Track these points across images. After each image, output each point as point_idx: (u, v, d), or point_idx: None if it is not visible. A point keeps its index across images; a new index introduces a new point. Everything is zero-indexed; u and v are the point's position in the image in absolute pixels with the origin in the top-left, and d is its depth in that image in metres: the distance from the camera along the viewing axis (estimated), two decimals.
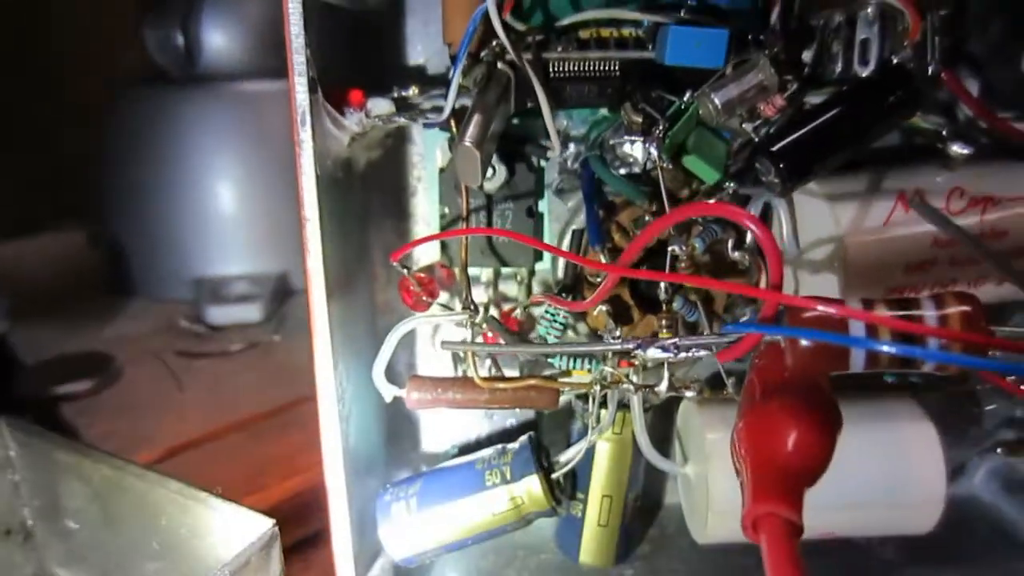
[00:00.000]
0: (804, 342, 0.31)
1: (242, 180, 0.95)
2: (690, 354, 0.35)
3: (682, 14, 0.40)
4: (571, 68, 0.42)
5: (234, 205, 0.95)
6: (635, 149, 0.46)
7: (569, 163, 0.50)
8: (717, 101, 0.40)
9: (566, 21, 0.43)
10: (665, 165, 0.41)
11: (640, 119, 0.42)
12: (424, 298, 0.48)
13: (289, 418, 0.64)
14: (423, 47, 0.49)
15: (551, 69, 0.42)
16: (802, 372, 0.32)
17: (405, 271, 0.46)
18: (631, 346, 0.36)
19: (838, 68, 0.44)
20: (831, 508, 0.45)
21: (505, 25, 0.42)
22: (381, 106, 0.43)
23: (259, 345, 0.80)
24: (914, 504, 0.46)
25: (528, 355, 0.48)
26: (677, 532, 0.55)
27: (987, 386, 0.50)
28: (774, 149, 0.41)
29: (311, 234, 0.41)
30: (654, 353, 0.35)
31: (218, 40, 0.98)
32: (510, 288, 0.53)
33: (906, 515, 0.47)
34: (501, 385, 0.45)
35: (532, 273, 0.53)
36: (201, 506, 0.43)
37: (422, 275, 0.49)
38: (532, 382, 0.45)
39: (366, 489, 0.50)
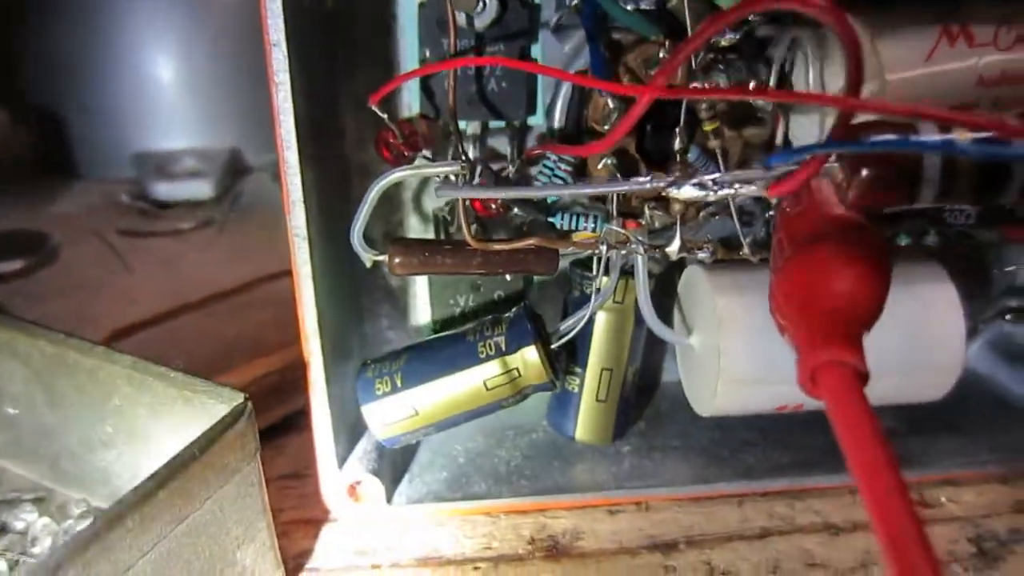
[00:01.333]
0: (864, 172, 0.27)
1: (184, 43, 0.85)
2: (733, 190, 0.31)
3: None
4: None
5: (176, 72, 0.85)
6: None
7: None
8: None
9: None
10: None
11: None
12: (405, 153, 0.43)
13: (250, 298, 0.58)
14: None
15: None
16: (855, 207, 0.28)
17: (385, 116, 0.40)
18: (662, 184, 0.31)
19: None
20: None
21: None
22: None
23: (212, 224, 0.73)
24: (934, 369, 0.44)
25: (528, 213, 0.43)
26: (673, 408, 0.53)
27: (1001, 247, 0.47)
28: None
29: (282, 91, 0.35)
30: (689, 192, 0.31)
31: None
32: (500, 143, 0.47)
33: (924, 382, 0.45)
34: (496, 247, 0.41)
35: (525, 127, 0.47)
36: (159, 383, 0.38)
37: (404, 124, 0.43)
38: (531, 241, 0.40)
39: (343, 367, 0.46)
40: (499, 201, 0.45)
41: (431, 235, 0.50)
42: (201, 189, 0.79)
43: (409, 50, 0.45)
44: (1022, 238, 0.43)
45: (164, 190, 0.78)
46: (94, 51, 0.89)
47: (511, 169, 0.44)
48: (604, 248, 0.39)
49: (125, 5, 0.87)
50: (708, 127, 0.38)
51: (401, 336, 0.52)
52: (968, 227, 0.42)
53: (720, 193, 0.31)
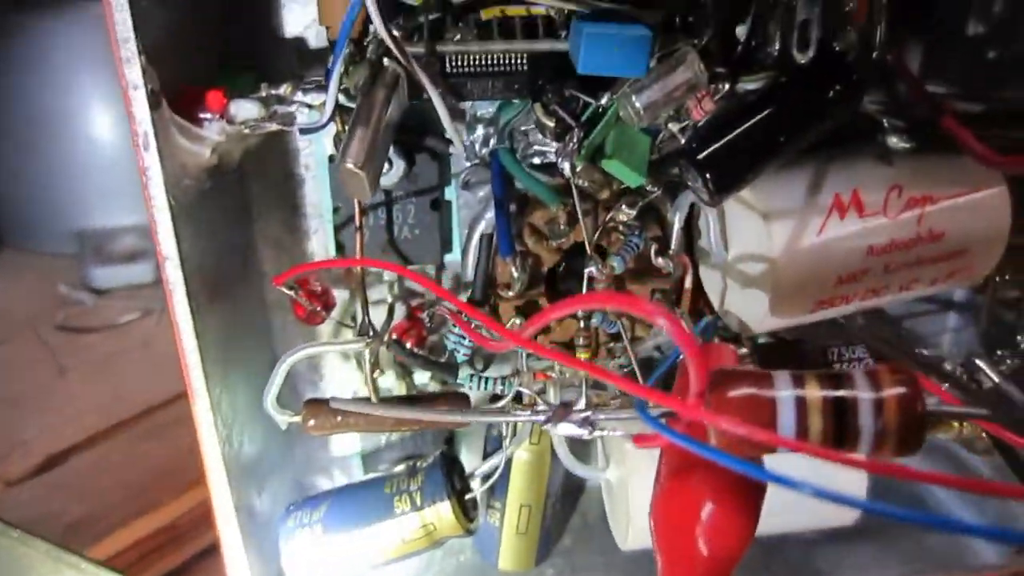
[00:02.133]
0: (732, 426, 0.28)
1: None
2: (605, 433, 0.32)
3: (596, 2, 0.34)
4: (471, 62, 0.36)
5: (118, 144, 0.84)
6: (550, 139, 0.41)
7: (477, 148, 0.44)
8: (639, 104, 0.35)
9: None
10: (579, 181, 0.36)
11: (553, 122, 0.37)
12: (319, 310, 0.43)
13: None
14: (301, 22, 0.41)
15: (448, 64, 0.36)
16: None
17: (291, 293, 0.40)
18: (540, 419, 0.32)
19: (775, 51, 0.39)
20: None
21: (394, 6, 0.35)
22: (246, 110, 0.36)
23: (153, 313, 0.73)
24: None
25: (437, 376, 0.44)
26: (598, 520, 0.54)
27: None
28: (701, 157, 0.36)
29: (171, 274, 0.35)
30: (565, 428, 0.32)
31: None
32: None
33: (832, 513, 0.46)
34: (405, 415, 0.41)
35: (441, 267, 0.48)
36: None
37: (314, 287, 0.43)
38: (438, 409, 0.41)
39: (269, 497, 0.47)
40: (424, 335, 0.46)
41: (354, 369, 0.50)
42: (142, 273, 0.78)
43: (323, 199, 0.45)
44: None
45: (104, 275, 0.77)
46: (29, 116, 0.87)
47: (426, 318, 0.45)
48: (507, 419, 0.40)
49: (61, 68, 0.86)
50: None
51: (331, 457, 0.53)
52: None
53: (593, 435, 0.32)
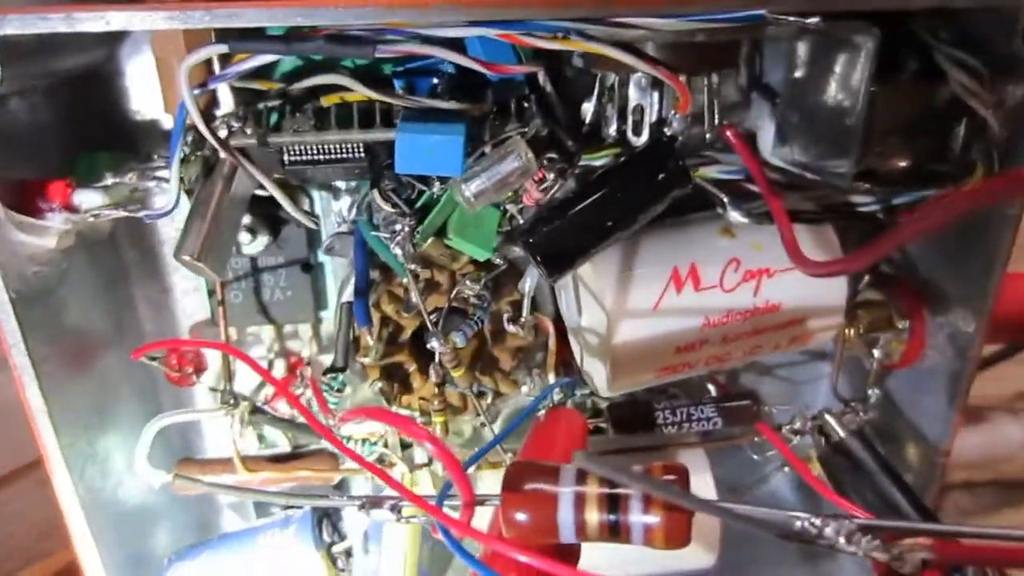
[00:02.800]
0: (520, 517, 0.30)
1: None
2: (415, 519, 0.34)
3: (417, 98, 0.35)
4: (308, 151, 0.37)
5: None
6: None
7: (343, 215, 0.45)
8: (468, 193, 0.36)
9: (301, 86, 0.37)
10: (413, 266, 0.38)
11: (390, 207, 0.38)
12: (189, 373, 0.45)
13: None
14: (147, 107, 0.42)
15: (286, 154, 0.37)
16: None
17: (154, 363, 0.42)
18: (356, 504, 0.34)
19: (612, 131, 0.40)
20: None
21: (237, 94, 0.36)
22: (90, 199, 0.37)
23: None
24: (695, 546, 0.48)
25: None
26: None
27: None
28: (531, 240, 0.38)
29: (18, 360, 0.36)
30: (378, 514, 0.34)
31: None
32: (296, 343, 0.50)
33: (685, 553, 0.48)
34: (271, 475, 0.43)
35: (318, 323, 0.49)
36: None
37: (183, 353, 0.45)
38: (301, 472, 0.43)
39: (166, 539, 0.49)
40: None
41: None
42: None
43: None
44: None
45: None
46: None
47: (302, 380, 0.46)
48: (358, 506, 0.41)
49: None
50: (456, 374, 0.41)
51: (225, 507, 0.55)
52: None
53: (402, 520, 0.34)
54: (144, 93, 0.42)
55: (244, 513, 0.55)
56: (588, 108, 0.41)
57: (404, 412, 0.46)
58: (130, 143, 0.42)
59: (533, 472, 0.31)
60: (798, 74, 0.42)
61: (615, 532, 0.30)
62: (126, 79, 0.42)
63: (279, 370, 0.49)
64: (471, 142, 0.37)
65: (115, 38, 0.40)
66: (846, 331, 0.48)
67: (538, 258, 0.38)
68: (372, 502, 0.33)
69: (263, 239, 0.44)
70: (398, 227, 0.38)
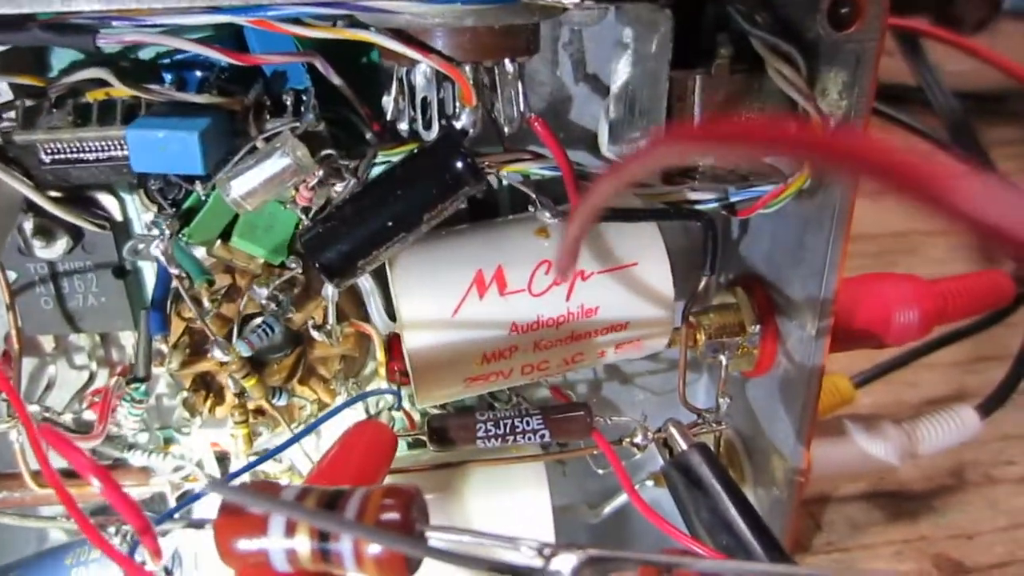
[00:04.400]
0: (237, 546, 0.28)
1: None
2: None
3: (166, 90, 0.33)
4: (67, 149, 0.35)
5: None
6: None
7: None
8: (234, 193, 0.34)
9: (66, 81, 0.35)
10: (175, 270, 0.36)
11: (156, 209, 0.36)
12: None
13: None
14: None
15: (42, 153, 0.35)
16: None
17: None
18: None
19: (405, 126, 0.38)
20: None
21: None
22: None
23: None
24: None
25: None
26: None
27: None
28: (309, 243, 0.35)
29: None
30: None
31: None
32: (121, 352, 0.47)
33: None
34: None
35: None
36: None
37: None
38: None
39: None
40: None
41: None
42: None
43: None
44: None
45: None
46: None
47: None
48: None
49: None
50: (248, 384, 0.39)
51: None
52: None
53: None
54: None
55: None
56: (388, 102, 0.38)
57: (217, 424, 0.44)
58: None
59: (253, 496, 0.28)
60: (614, 65, 0.40)
61: (328, 561, 0.27)
62: None
63: (102, 379, 0.47)
64: (236, 138, 0.35)
65: None
66: (695, 335, 0.45)
67: (315, 263, 0.35)
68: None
69: (62, 243, 0.42)
70: (160, 227, 0.35)
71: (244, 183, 0.34)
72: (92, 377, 0.46)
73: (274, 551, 0.27)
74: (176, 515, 0.37)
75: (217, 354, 0.37)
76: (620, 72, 0.40)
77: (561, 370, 0.42)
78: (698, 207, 0.41)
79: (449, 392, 0.41)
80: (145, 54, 0.37)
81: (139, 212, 0.43)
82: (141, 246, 0.43)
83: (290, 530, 0.27)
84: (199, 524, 0.29)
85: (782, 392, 0.45)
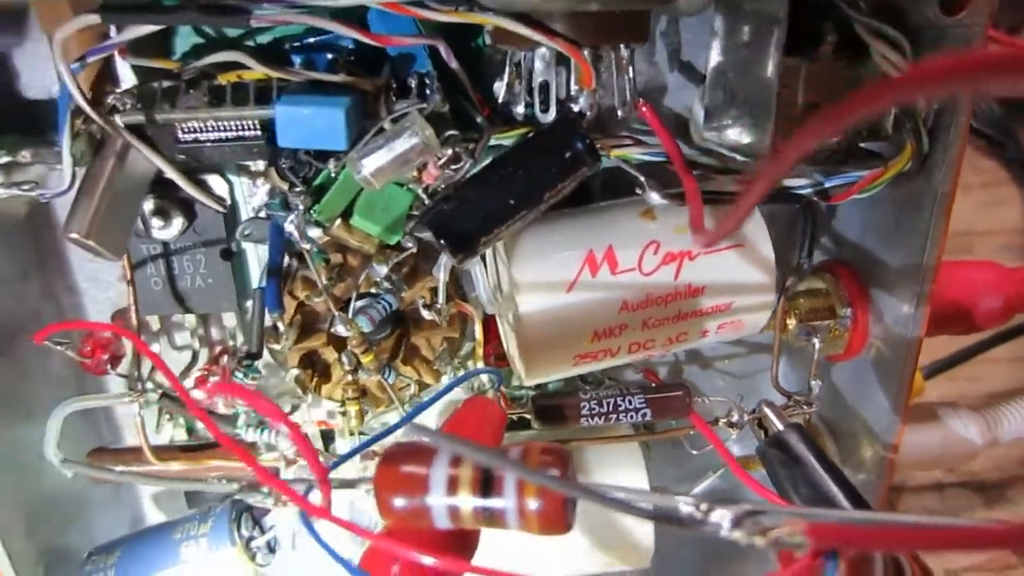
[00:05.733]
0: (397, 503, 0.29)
1: None
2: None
3: (304, 71, 0.34)
4: (203, 128, 0.37)
5: None
6: None
7: (264, 200, 0.44)
8: (365, 171, 0.35)
9: (199, 64, 0.36)
10: (307, 246, 0.37)
11: (287, 187, 0.37)
12: (104, 360, 0.44)
13: None
14: (42, 87, 0.41)
15: (179, 131, 0.36)
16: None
17: (60, 348, 0.41)
18: (235, 487, 0.33)
19: (521, 109, 0.39)
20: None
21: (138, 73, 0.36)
22: None
23: None
24: (627, 546, 0.46)
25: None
26: None
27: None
28: (434, 220, 0.37)
29: None
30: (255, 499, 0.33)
31: None
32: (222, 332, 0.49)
33: (622, 555, 0.47)
34: (182, 465, 0.42)
35: (244, 313, 0.48)
36: None
37: (98, 339, 0.44)
38: (213, 463, 0.42)
39: (90, 533, 0.48)
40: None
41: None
42: None
43: None
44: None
45: None
46: None
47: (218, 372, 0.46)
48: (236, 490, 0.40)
49: None
50: (365, 359, 0.40)
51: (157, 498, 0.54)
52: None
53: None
54: (39, 73, 0.41)
55: (174, 504, 0.53)
56: (500, 87, 0.40)
57: (326, 402, 0.45)
58: (26, 126, 0.41)
59: (407, 455, 0.29)
60: (716, 51, 0.41)
61: (489, 517, 0.28)
62: (34, 59, 0.41)
63: (203, 359, 0.48)
64: (367, 119, 0.36)
65: (20, 17, 0.40)
66: (785, 320, 0.46)
67: (441, 240, 0.36)
68: (248, 486, 0.32)
69: (177, 224, 0.43)
70: (292, 204, 0.37)
71: (375, 161, 0.35)
72: (195, 356, 0.48)
73: (436, 507, 0.28)
74: (358, 455, 0.37)
75: (340, 329, 0.38)
76: (713, 59, 0.41)
77: (664, 349, 0.43)
78: (794, 192, 0.42)
79: (557, 369, 0.42)
80: (264, 38, 0.38)
81: (245, 196, 0.45)
82: (249, 230, 0.45)
83: (452, 488, 0.28)
84: (351, 483, 0.30)
85: (876, 372, 0.46)
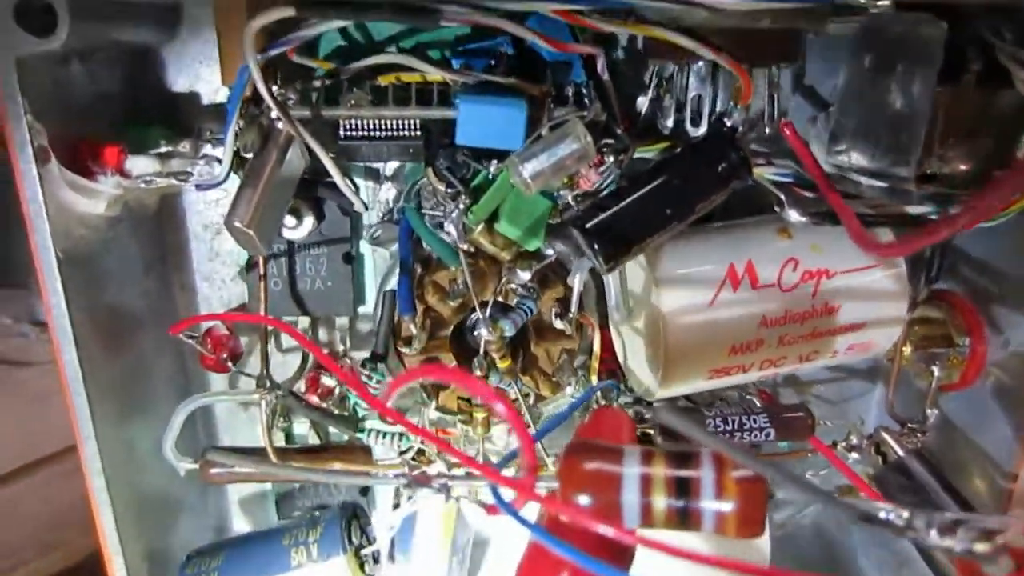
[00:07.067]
0: (581, 498, 0.28)
1: None
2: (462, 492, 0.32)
3: (479, 73, 0.35)
4: (365, 126, 0.37)
5: None
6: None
7: (389, 204, 0.44)
8: (526, 174, 0.35)
9: (358, 65, 0.37)
10: (466, 246, 0.37)
11: (444, 187, 0.38)
12: (224, 358, 0.44)
13: None
14: (202, 82, 0.42)
15: (342, 128, 0.37)
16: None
17: (190, 341, 0.41)
18: (402, 481, 0.33)
19: (670, 123, 0.40)
20: None
21: (286, 73, 0.36)
22: (142, 165, 0.36)
23: None
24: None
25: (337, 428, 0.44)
26: None
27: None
28: (589, 226, 0.37)
29: (57, 323, 0.35)
30: (425, 492, 0.32)
31: None
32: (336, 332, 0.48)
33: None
34: (296, 465, 0.42)
35: (355, 318, 0.48)
36: None
37: (219, 335, 0.44)
38: (333, 465, 0.41)
39: (182, 537, 0.47)
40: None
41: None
42: None
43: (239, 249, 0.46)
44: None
45: None
46: None
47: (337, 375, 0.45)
48: (403, 481, 0.40)
49: None
50: (503, 365, 0.40)
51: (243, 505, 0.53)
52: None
53: (450, 499, 0.32)
54: (197, 72, 0.42)
55: (262, 513, 0.52)
56: (643, 101, 0.40)
57: (440, 412, 0.44)
58: (180, 121, 0.42)
59: (594, 451, 0.29)
60: (856, 75, 0.41)
61: (684, 518, 0.28)
62: (182, 57, 0.42)
63: (311, 362, 0.48)
64: (530, 123, 0.36)
65: (175, 15, 0.40)
66: (902, 347, 0.46)
67: (595, 245, 0.37)
68: (419, 480, 0.31)
69: (308, 223, 0.43)
70: (451, 205, 0.37)
71: (535, 165, 0.36)
72: (305, 358, 0.47)
73: (629, 506, 0.28)
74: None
75: (482, 332, 0.38)
76: (845, 82, 0.42)
77: (793, 367, 0.42)
78: (919, 215, 0.42)
79: (691, 383, 0.42)
80: (410, 42, 0.39)
81: (370, 199, 0.45)
82: (379, 232, 0.45)
83: (646, 487, 0.28)
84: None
85: (995, 400, 0.46)
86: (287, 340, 0.48)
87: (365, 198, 0.45)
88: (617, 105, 0.40)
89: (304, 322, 0.47)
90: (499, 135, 0.33)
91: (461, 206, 0.37)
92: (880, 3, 0.34)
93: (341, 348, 0.48)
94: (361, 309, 0.48)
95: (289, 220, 0.43)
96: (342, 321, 0.48)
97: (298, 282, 0.45)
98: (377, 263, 0.47)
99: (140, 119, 0.41)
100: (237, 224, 0.34)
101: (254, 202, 0.35)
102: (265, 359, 0.42)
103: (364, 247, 0.46)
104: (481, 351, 0.40)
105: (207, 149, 0.38)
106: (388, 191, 0.45)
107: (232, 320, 0.43)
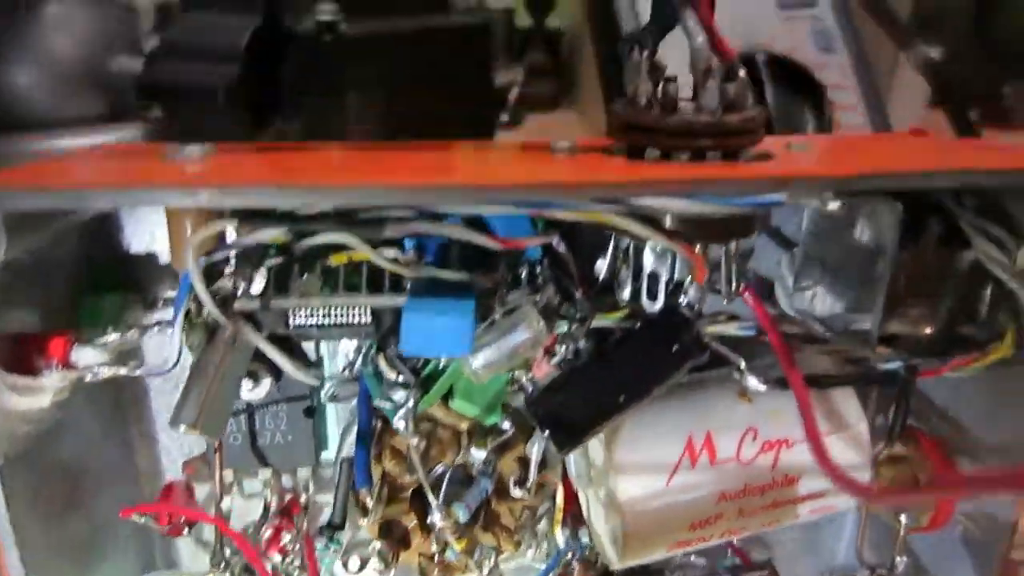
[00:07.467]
0: None
1: None
2: None
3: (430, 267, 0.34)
4: (315, 314, 0.36)
5: None
6: None
7: (349, 357, 0.44)
8: (476, 364, 0.35)
9: (310, 242, 0.36)
10: (415, 440, 0.37)
11: (395, 375, 0.37)
12: (182, 521, 0.43)
13: None
14: (158, 243, 0.42)
15: (290, 319, 0.36)
16: None
17: (141, 520, 0.40)
18: None
19: (627, 295, 0.39)
20: None
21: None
22: (88, 356, 0.36)
23: None
24: None
25: None
26: None
27: None
28: (541, 413, 0.36)
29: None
30: None
31: None
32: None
33: None
34: None
35: (317, 466, 0.47)
36: None
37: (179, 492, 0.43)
38: None
39: None
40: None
41: None
42: None
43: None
44: None
45: None
46: None
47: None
48: None
49: None
50: (458, 546, 0.40)
51: None
52: None
53: None
54: (151, 235, 0.41)
55: None
56: (602, 265, 0.40)
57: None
58: (137, 284, 0.41)
59: None
60: (818, 231, 0.41)
61: None
62: (134, 223, 0.41)
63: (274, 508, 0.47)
64: (480, 312, 0.36)
65: None
66: None
67: (547, 431, 0.36)
68: None
69: (266, 384, 0.43)
70: (402, 397, 0.36)
71: (487, 355, 0.35)
72: (267, 508, 0.47)
73: None
74: None
75: (435, 519, 0.38)
76: (833, 242, 0.41)
77: (754, 532, 0.42)
78: (885, 368, 0.42)
79: (652, 555, 0.41)
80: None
81: (330, 355, 0.45)
82: (336, 392, 0.44)
83: None
84: None
85: (965, 549, 0.45)
86: (249, 485, 0.48)
87: (327, 350, 0.45)
88: (576, 269, 0.39)
89: (266, 473, 0.47)
90: (444, 344, 0.33)
91: (411, 401, 0.36)
92: (831, 206, 0.33)
93: (303, 496, 0.47)
94: (324, 454, 0.47)
95: (247, 384, 0.42)
96: (304, 470, 0.47)
97: (258, 437, 0.45)
98: (339, 410, 0.47)
99: (94, 284, 0.40)
100: (182, 427, 0.34)
101: (201, 402, 0.34)
102: (218, 537, 0.41)
103: (324, 396, 0.46)
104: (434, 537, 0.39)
105: (160, 314, 0.37)
106: (349, 342, 0.44)
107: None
